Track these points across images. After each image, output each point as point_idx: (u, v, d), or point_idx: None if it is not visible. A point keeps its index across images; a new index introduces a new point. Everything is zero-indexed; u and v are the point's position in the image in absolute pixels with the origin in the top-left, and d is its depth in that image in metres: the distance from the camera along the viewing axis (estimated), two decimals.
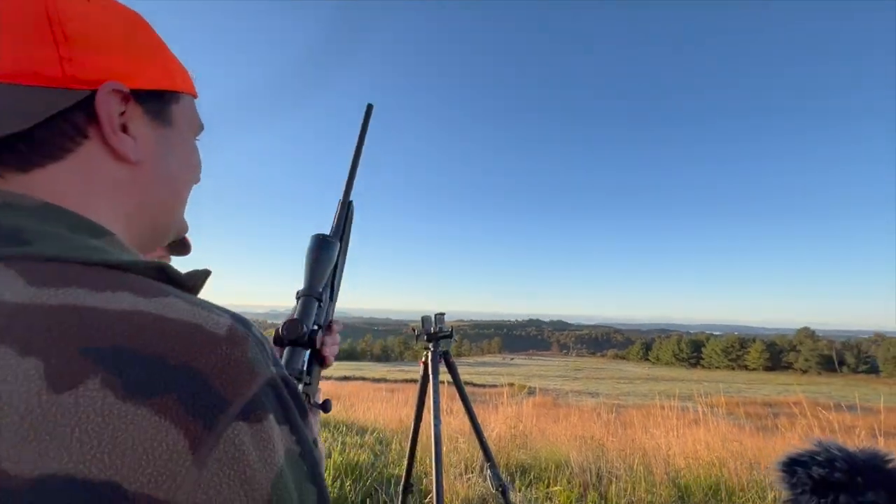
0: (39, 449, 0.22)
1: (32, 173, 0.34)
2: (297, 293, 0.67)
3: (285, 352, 0.62)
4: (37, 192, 0.33)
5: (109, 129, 0.36)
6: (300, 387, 0.63)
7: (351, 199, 0.84)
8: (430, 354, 1.70)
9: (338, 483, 3.36)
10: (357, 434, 5.29)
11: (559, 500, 3.45)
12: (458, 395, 1.75)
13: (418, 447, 1.54)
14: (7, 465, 0.22)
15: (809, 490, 0.49)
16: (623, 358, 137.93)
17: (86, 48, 0.35)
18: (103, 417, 0.23)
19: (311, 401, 0.65)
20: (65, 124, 0.34)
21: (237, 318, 0.31)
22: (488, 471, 1.68)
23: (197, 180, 0.48)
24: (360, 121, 0.89)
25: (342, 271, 0.77)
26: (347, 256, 0.81)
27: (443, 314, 1.83)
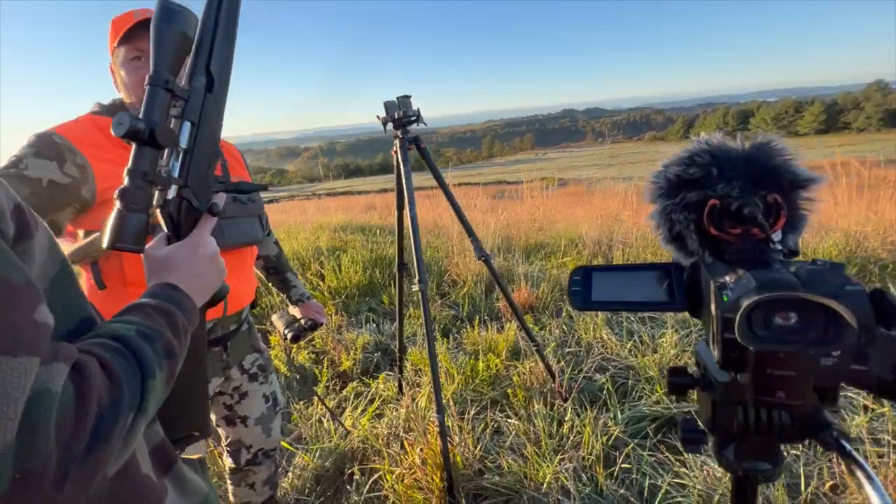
0: None
1: None
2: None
3: (132, 150, 0.55)
4: None
5: None
6: (173, 192, 0.58)
7: None
8: (398, 142, 1.62)
9: (368, 272, 3.82)
10: (389, 234, 5.75)
11: (569, 267, 3.79)
12: (434, 177, 1.73)
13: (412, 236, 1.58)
14: None
15: (663, 193, 0.43)
16: (661, 139, 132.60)
17: None
18: None
19: (194, 204, 0.60)
20: None
21: None
22: (471, 244, 1.78)
23: None
24: None
25: (226, 49, 0.61)
26: (237, 29, 0.62)
27: (408, 96, 1.65)
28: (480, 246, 1.76)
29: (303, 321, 1.39)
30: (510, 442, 1.72)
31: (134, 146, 0.53)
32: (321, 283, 3.66)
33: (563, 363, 2.19)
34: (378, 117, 1.65)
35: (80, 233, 0.93)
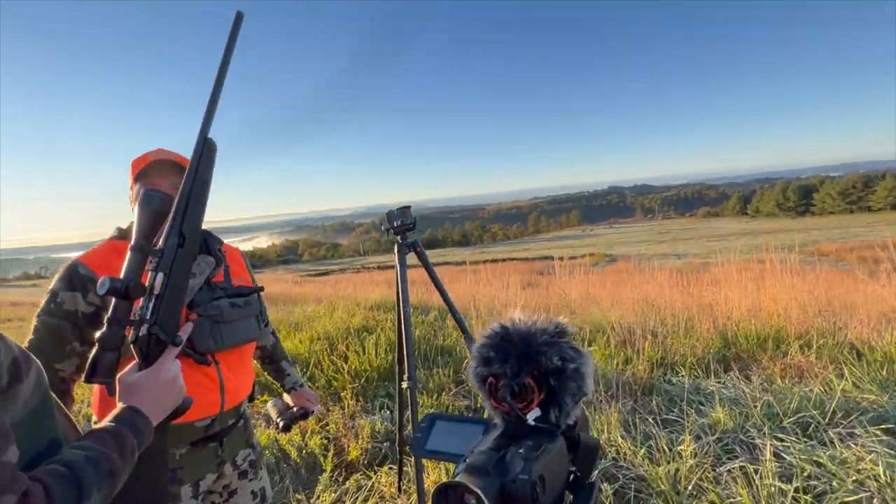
0: None
1: None
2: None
3: (112, 302, 0.73)
4: None
5: None
6: (144, 328, 0.75)
7: (210, 135, 0.83)
8: (396, 246, 1.79)
9: (390, 355, 3.90)
10: (423, 313, 5.87)
11: (594, 357, 3.66)
12: (430, 279, 1.86)
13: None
14: None
15: (475, 363, 0.51)
16: (716, 215, 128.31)
17: None
18: None
19: (161, 338, 0.76)
20: None
21: None
22: (464, 340, 1.84)
23: None
24: (227, 33, 0.83)
25: (197, 212, 0.81)
26: (209, 196, 0.83)
27: (408, 207, 1.86)
28: (473, 341, 1.82)
29: (295, 409, 1.45)
30: None
31: (114, 299, 0.71)
32: (344, 364, 3.77)
33: None
34: (380, 223, 1.85)
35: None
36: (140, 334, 0.75)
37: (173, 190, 1.15)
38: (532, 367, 0.47)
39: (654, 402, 2.75)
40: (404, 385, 1.66)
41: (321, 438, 2.79)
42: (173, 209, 0.80)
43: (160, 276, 0.77)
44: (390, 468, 2.35)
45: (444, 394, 3.17)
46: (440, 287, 1.86)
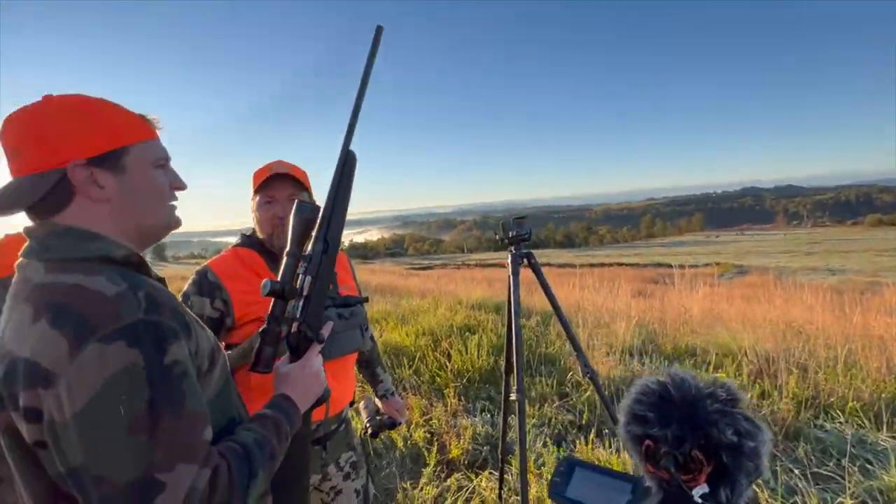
0: (22, 345, 0.56)
1: (58, 214, 0.66)
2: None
3: (272, 303, 0.84)
4: (63, 221, 0.65)
5: (80, 187, 0.64)
6: (294, 326, 0.85)
7: (351, 148, 0.89)
8: (510, 256, 1.79)
9: (492, 358, 3.92)
10: (524, 317, 5.81)
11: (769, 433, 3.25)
12: (542, 291, 1.82)
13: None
14: (13, 347, 0.56)
15: (625, 419, 0.46)
16: (891, 224, 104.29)
17: (53, 147, 0.63)
18: (39, 335, 0.55)
19: (308, 335, 0.85)
20: (59, 189, 0.64)
21: (133, 286, 0.59)
22: (577, 358, 1.77)
23: (171, 196, 0.74)
24: (368, 49, 0.88)
25: (339, 220, 0.89)
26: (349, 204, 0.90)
27: (523, 217, 1.84)
28: (586, 362, 1.74)
29: (384, 417, 1.52)
30: None
31: (273, 300, 0.82)
32: (447, 362, 3.89)
33: None
34: (494, 234, 1.86)
35: (222, 346, 1.17)
36: (291, 331, 0.85)
37: (289, 200, 1.27)
38: (699, 436, 0.43)
39: (800, 449, 2.35)
40: (512, 397, 1.66)
41: (424, 432, 2.92)
42: (319, 219, 0.87)
43: (308, 279, 0.85)
44: (491, 473, 2.36)
45: (546, 405, 3.09)
46: (554, 301, 1.81)
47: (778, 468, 2.14)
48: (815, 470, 2.14)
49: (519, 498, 2.04)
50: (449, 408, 3.17)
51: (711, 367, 3.54)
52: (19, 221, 0.70)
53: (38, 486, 0.59)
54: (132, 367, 0.54)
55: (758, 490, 1.96)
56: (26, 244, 0.66)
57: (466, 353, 3.94)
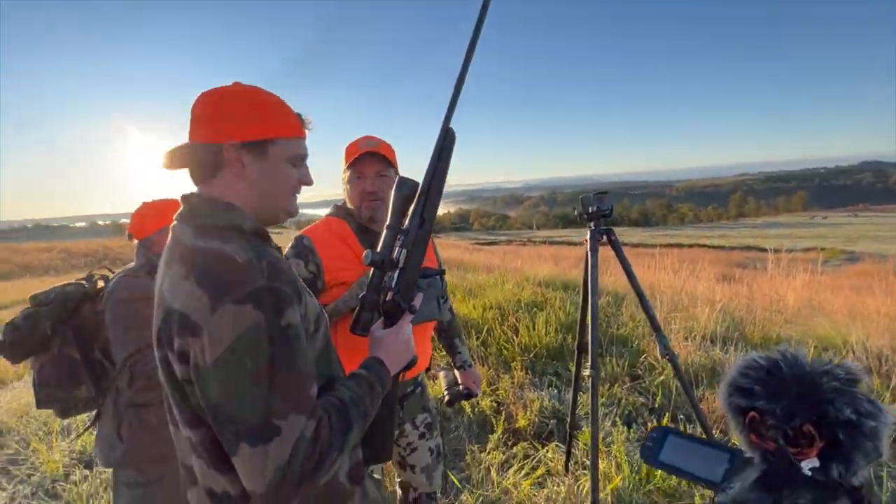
0: (176, 298, 0.69)
1: (209, 182, 0.78)
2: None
3: (370, 272, 0.92)
4: (210, 192, 0.78)
5: (229, 164, 0.77)
6: (389, 295, 0.92)
7: (451, 126, 0.92)
8: (589, 232, 1.76)
9: (560, 335, 3.89)
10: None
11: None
12: (622, 268, 1.77)
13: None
14: (169, 298, 0.70)
15: (727, 391, 0.45)
16: None
17: (220, 125, 0.76)
18: (188, 292, 0.67)
19: (402, 304, 0.91)
20: (213, 162, 0.77)
21: (259, 255, 0.69)
22: (656, 339, 1.72)
23: (297, 189, 0.85)
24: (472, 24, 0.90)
25: (436, 197, 0.93)
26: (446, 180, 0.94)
27: (605, 192, 1.78)
28: (667, 343, 1.69)
29: (461, 387, 1.59)
30: None
31: (373, 270, 0.90)
32: (515, 336, 3.93)
33: None
34: (574, 210, 1.83)
35: None
36: (386, 300, 0.92)
37: (377, 176, 1.35)
38: (812, 412, 0.43)
39: None
40: (586, 373, 1.66)
41: (491, 401, 3.02)
42: (417, 196, 0.92)
43: (404, 252, 0.91)
44: (557, 446, 2.40)
45: (616, 385, 3.04)
46: (633, 279, 1.76)
47: (884, 474, 1.95)
48: None
49: (585, 471, 2.07)
50: (516, 380, 3.23)
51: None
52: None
53: (186, 413, 0.73)
54: (257, 327, 0.65)
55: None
56: (180, 209, 0.79)
57: (534, 330, 3.95)
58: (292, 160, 0.82)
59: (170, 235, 0.79)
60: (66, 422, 3.45)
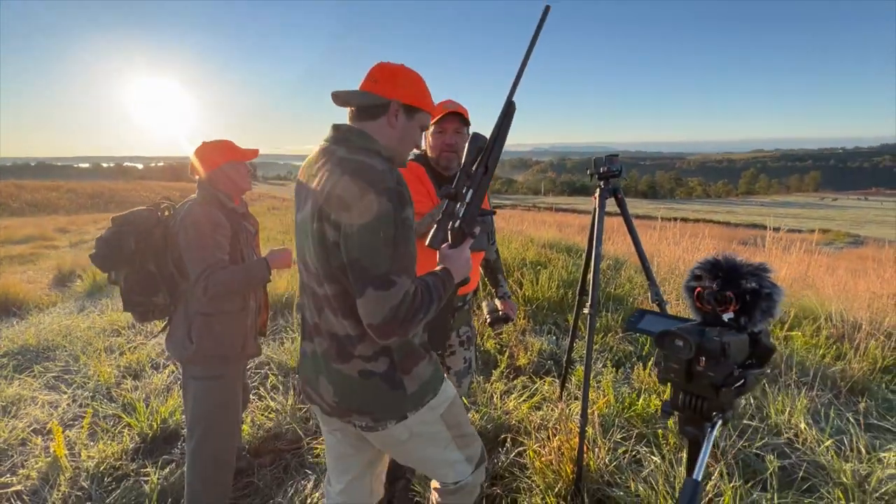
0: (334, 187, 1.00)
1: (366, 122, 1.11)
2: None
3: (442, 205, 1.17)
4: (365, 128, 1.11)
5: (388, 115, 1.10)
6: (456, 222, 1.15)
7: (514, 99, 1.16)
8: (598, 190, 1.97)
9: (561, 290, 4.18)
10: None
11: (795, 343, 3.26)
12: (625, 224, 2.00)
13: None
14: (328, 187, 1.01)
15: (687, 279, 0.70)
16: None
17: (393, 87, 1.10)
18: (344, 184, 0.99)
19: (465, 231, 1.15)
20: (379, 109, 1.10)
21: (390, 169, 1.02)
22: (649, 287, 1.97)
23: (415, 146, 1.18)
24: (536, 23, 1.14)
25: (498, 152, 1.18)
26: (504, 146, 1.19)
27: (616, 155, 1.98)
28: (658, 292, 1.94)
29: (501, 313, 1.91)
30: (645, 473, 1.86)
31: (447, 201, 1.14)
32: (518, 289, 4.22)
33: (731, 430, 2.11)
34: (586, 170, 2.03)
35: None
36: (454, 226, 1.16)
37: (455, 132, 1.61)
38: (733, 286, 0.67)
39: (863, 404, 2.42)
40: (585, 311, 1.93)
41: (495, 343, 3.34)
42: (484, 148, 1.15)
43: (470, 191, 1.15)
44: (553, 380, 2.73)
45: (609, 335, 3.35)
46: (635, 235, 1.98)
47: (832, 413, 2.26)
48: (872, 422, 2.23)
49: (577, 400, 2.40)
50: (518, 326, 3.54)
51: (786, 327, 3.51)
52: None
53: (327, 270, 1.03)
54: (388, 212, 0.95)
55: (806, 426, 2.12)
56: (331, 135, 1.10)
57: (537, 284, 4.24)
58: (422, 127, 1.15)
59: (319, 152, 1.11)
60: (109, 341, 3.82)
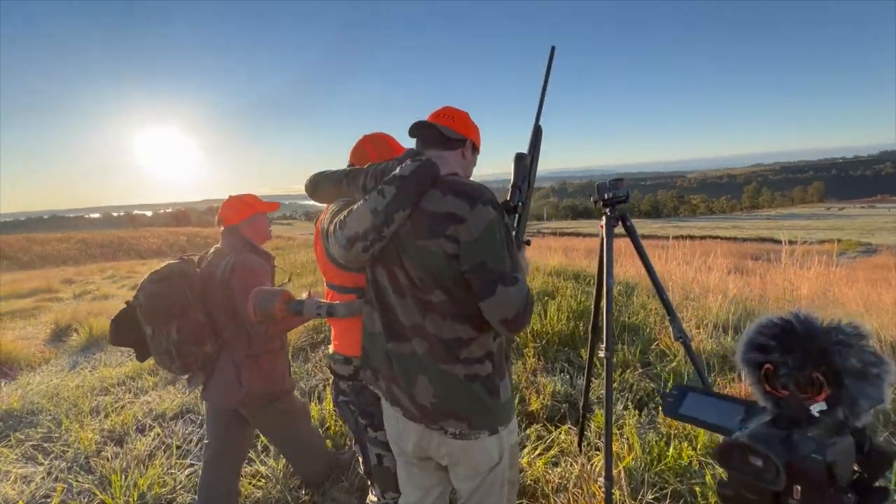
0: (442, 207, 1.10)
1: (444, 151, 1.24)
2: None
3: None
4: (442, 155, 1.23)
5: (465, 151, 1.28)
6: (514, 233, 1.30)
7: (539, 123, 1.39)
8: (605, 218, 1.79)
9: (571, 323, 3.93)
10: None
11: None
12: (636, 253, 1.81)
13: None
14: (435, 208, 1.11)
15: (743, 348, 0.50)
16: None
17: (466, 128, 1.27)
18: (450, 201, 1.09)
19: (521, 240, 1.32)
20: (457, 143, 1.25)
21: (488, 190, 1.12)
22: (670, 322, 1.76)
23: (470, 173, 1.32)
24: (545, 64, 1.41)
25: (534, 171, 1.36)
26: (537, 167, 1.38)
27: (620, 179, 1.82)
28: (681, 327, 1.73)
29: None
30: None
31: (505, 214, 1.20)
32: None
33: None
34: (590, 196, 1.86)
35: None
36: (515, 236, 1.29)
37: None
38: (821, 362, 0.48)
39: None
40: (601, 354, 1.71)
41: None
42: (527, 165, 1.33)
43: (521, 204, 1.31)
44: (570, 428, 2.46)
45: (628, 371, 3.09)
46: (647, 263, 1.79)
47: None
48: None
49: (598, 451, 2.13)
50: (528, 366, 3.29)
51: None
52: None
53: (437, 281, 1.10)
54: (498, 218, 1.07)
55: None
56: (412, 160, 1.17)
57: (546, 317, 4.00)
58: (475, 163, 1.33)
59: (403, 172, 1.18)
60: (96, 401, 3.60)
